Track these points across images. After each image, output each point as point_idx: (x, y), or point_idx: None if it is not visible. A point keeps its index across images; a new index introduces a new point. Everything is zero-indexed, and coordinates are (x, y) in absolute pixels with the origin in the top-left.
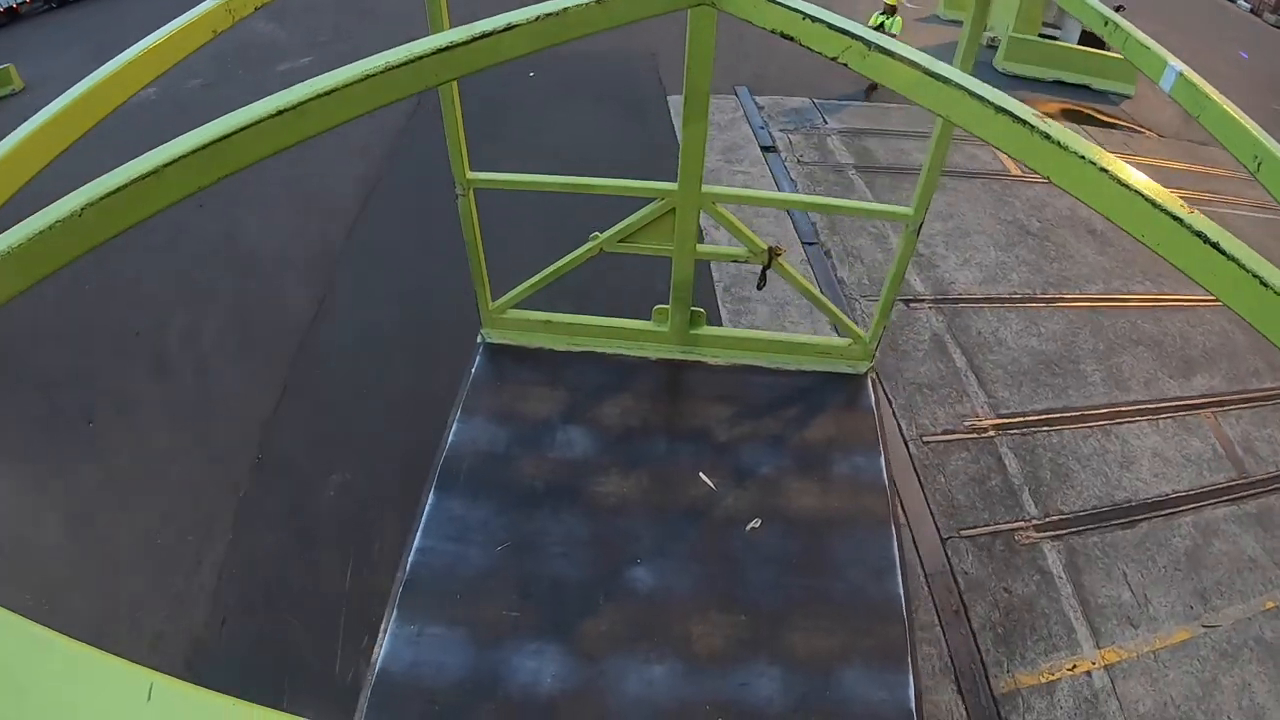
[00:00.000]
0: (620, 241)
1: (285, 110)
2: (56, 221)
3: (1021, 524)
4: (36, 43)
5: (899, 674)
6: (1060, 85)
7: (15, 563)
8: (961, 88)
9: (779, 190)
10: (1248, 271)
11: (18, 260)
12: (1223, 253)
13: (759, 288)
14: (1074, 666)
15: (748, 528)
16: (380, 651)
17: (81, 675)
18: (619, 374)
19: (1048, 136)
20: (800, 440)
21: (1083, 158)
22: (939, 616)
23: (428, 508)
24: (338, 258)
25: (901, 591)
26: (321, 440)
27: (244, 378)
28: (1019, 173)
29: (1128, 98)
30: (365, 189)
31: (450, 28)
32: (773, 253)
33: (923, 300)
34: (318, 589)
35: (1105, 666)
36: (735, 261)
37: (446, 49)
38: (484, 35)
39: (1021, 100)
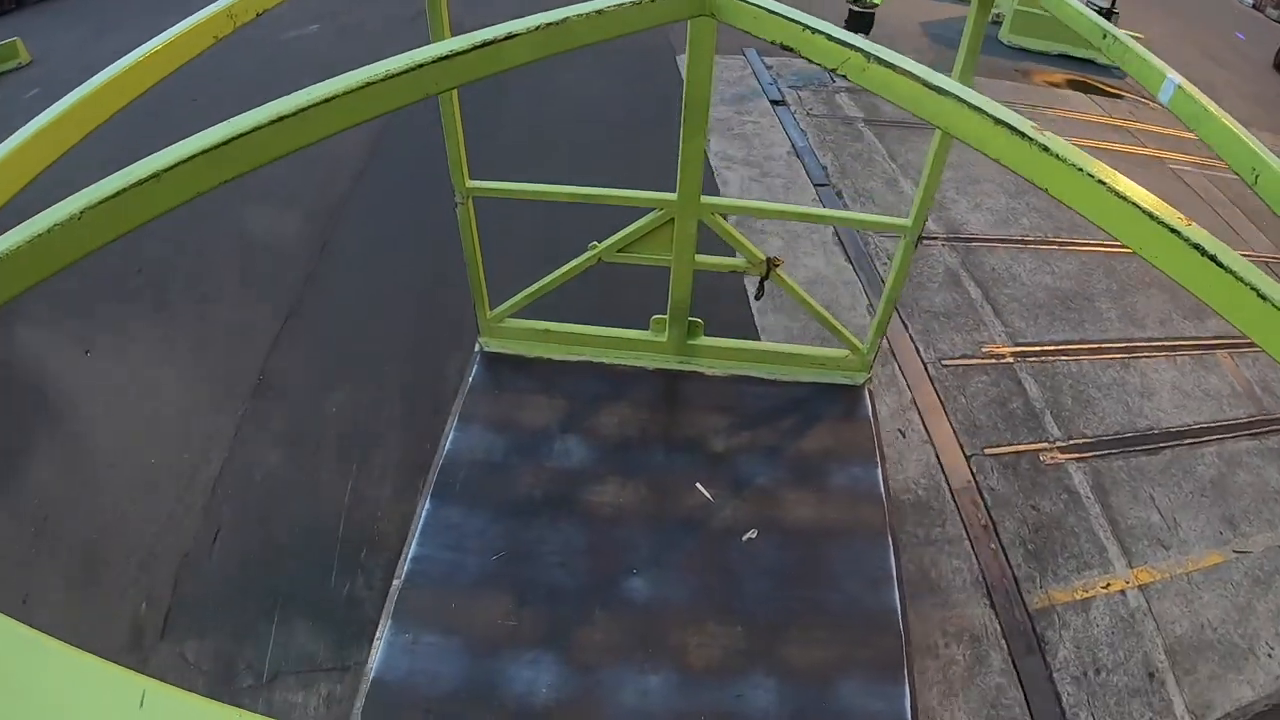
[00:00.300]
0: (619, 251)
1: (286, 117)
2: (55, 225)
3: (1046, 445)
4: (43, 21)
5: (896, 685)
6: (1065, 59)
7: (6, 482)
8: (960, 100)
9: (788, 136)
10: (1245, 284)
11: (15, 263)
12: (1220, 265)
13: (756, 299)
14: (1108, 585)
15: (744, 538)
16: (375, 660)
17: (73, 681)
18: (616, 384)
19: (1045, 149)
20: (797, 451)
21: (1080, 170)
22: (967, 531)
23: (424, 516)
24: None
25: (898, 603)
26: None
27: (246, 305)
28: None
29: None
30: (373, 141)
31: (451, 36)
32: (771, 263)
33: (935, 238)
34: (316, 502)
35: (1139, 586)
36: (734, 272)
37: (447, 57)
38: (485, 44)
39: (1028, 72)
